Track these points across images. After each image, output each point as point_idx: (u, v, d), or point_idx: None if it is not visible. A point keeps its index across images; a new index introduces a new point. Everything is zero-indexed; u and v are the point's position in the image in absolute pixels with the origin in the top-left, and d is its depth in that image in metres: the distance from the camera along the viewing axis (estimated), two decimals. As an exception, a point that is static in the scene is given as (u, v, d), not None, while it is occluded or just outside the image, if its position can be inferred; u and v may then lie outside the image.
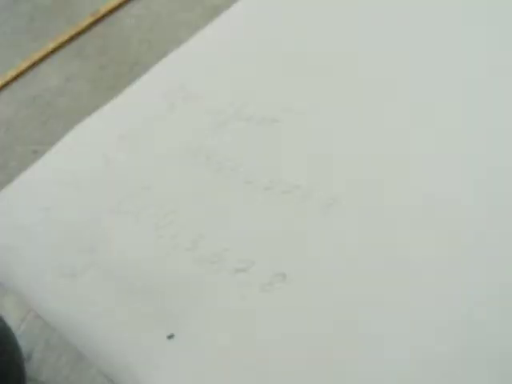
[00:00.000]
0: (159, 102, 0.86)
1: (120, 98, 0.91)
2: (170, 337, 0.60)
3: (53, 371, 0.62)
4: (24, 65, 1.09)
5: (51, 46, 1.14)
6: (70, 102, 0.96)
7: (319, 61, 0.81)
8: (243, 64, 0.87)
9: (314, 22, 0.87)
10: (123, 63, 0.99)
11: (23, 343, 0.64)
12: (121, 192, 0.76)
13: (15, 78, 1.06)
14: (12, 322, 0.65)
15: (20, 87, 1.06)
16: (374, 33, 0.81)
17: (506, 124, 0.64)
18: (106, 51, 1.06)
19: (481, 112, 0.65)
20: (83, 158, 0.83)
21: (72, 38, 1.14)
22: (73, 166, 0.83)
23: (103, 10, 1.19)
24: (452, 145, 0.64)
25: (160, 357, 0.59)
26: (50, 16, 1.23)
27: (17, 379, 0.56)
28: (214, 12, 0.98)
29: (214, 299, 0.61)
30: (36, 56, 1.11)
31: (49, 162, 0.86)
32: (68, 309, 0.66)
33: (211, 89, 0.85)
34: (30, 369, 0.63)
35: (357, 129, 0.71)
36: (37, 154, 0.89)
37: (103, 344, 0.62)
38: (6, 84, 1.06)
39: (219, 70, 0.88)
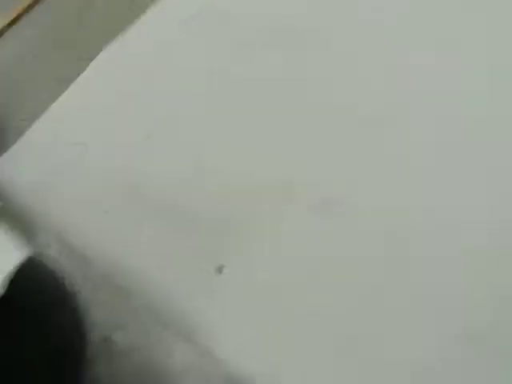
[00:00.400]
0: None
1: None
2: (219, 270, 0.62)
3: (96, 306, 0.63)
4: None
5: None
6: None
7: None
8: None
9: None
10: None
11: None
12: (149, 121, 0.77)
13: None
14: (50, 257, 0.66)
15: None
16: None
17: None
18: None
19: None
20: (111, 89, 0.84)
21: None
22: (102, 97, 0.83)
23: None
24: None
25: (208, 290, 0.61)
26: None
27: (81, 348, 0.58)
28: None
29: (263, 230, 0.63)
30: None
31: (78, 92, 0.86)
32: (108, 245, 0.68)
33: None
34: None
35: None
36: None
37: (147, 278, 0.64)
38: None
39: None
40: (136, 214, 0.70)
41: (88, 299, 0.61)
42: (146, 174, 0.74)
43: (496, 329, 0.53)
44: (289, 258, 0.61)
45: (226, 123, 0.73)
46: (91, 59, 0.89)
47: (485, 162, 0.62)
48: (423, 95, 0.68)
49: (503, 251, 0.56)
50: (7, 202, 0.74)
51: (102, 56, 0.90)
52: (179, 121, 0.75)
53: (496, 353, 0.52)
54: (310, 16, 0.79)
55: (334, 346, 0.56)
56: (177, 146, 0.74)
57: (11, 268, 0.52)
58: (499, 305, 0.53)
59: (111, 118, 0.80)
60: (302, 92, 0.73)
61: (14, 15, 1.07)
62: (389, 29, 0.75)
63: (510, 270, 0.55)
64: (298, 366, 0.57)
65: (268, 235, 0.63)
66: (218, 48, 0.81)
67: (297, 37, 0.77)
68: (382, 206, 0.60)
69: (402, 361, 0.54)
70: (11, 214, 0.74)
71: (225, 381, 0.57)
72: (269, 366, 0.58)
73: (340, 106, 0.70)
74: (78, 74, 0.88)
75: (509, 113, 0.65)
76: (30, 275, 0.58)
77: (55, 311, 0.57)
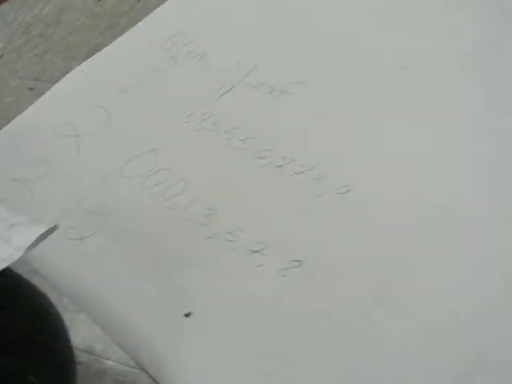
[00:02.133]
0: (162, 55, 0.84)
1: (118, 42, 0.88)
2: (188, 315, 0.60)
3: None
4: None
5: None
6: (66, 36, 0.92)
7: (336, 33, 0.81)
8: (254, 21, 0.85)
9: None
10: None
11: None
12: (126, 152, 0.74)
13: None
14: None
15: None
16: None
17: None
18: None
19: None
20: (82, 110, 0.80)
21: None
22: (72, 118, 0.79)
23: None
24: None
25: (178, 333, 0.60)
26: None
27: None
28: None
29: (231, 279, 0.62)
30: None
31: (47, 107, 0.82)
32: (76, 274, 0.66)
33: (217, 45, 0.83)
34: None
35: (377, 112, 0.71)
36: (33, 92, 0.85)
37: (115, 314, 0.62)
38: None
39: (229, 23, 0.86)
40: (103, 240, 0.68)
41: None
42: (116, 196, 0.71)
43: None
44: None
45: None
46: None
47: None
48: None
49: None
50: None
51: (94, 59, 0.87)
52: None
53: None
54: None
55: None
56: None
57: (32, 240, 0.47)
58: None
59: (81, 144, 0.77)
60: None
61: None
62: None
63: None
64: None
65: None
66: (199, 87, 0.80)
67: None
68: (345, 270, 0.60)
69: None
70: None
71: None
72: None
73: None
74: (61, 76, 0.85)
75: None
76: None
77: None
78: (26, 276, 0.59)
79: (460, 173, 0.65)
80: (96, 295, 0.64)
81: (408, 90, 0.73)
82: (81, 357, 0.60)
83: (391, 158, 0.67)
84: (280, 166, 0.69)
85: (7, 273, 0.52)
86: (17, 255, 0.47)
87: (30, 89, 0.85)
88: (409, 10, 0.81)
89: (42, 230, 0.49)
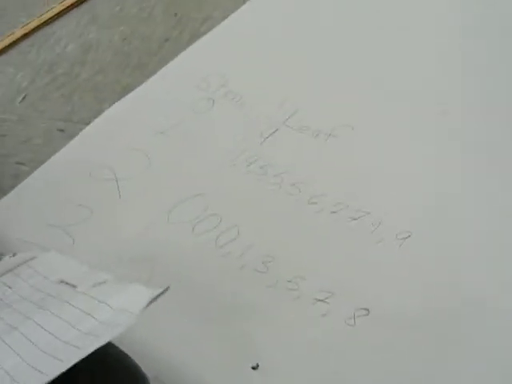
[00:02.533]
0: (198, 96, 0.81)
1: (151, 82, 0.85)
2: (255, 368, 0.58)
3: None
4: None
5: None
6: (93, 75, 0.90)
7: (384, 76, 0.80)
8: (295, 58, 0.84)
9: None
10: (150, 38, 0.93)
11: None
12: (170, 197, 0.71)
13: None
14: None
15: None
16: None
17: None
18: (125, 20, 0.97)
19: None
20: (119, 152, 0.77)
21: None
22: (109, 160, 0.76)
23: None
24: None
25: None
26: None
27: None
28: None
29: (295, 328, 0.60)
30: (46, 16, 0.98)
31: (82, 149, 0.79)
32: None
33: (255, 86, 0.82)
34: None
35: (433, 155, 0.70)
36: (64, 133, 0.82)
37: (175, 367, 0.59)
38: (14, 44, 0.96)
39: (264, 63, 0.84)
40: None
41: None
42: (163, 243, 0.68)
43: None
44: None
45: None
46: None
47: None
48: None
49: None
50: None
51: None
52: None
53: None
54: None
55: None
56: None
57: (143, 305, 0.45)
58: None
59: (122, 189, 0.73)
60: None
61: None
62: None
63: None
64: None
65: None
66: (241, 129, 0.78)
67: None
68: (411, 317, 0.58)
69: None
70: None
71: None
72: None
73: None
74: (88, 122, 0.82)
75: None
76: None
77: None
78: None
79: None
80: (152, 348, 0.60)
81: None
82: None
83: (451, 202, 0.66)
84: (334, 212, 0.67)
85: None
86: (131, 320, 0.44)
87: (60, 130, 0.82)
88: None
89: (154, 292, 0.46)
